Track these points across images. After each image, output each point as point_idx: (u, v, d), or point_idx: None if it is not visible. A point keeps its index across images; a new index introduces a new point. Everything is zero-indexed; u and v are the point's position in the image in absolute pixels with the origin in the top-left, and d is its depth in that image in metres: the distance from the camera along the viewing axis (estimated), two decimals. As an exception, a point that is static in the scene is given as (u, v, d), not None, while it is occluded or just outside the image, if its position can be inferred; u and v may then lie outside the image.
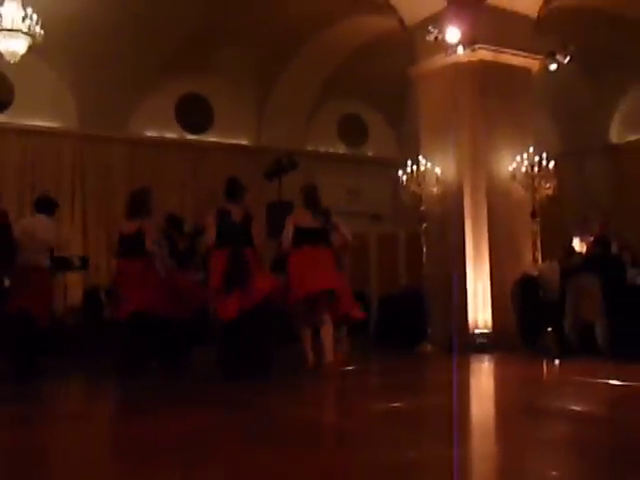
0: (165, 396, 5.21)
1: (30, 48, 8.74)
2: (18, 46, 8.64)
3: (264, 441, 3.30)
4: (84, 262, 9.84)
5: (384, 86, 12.58)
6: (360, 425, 3.81)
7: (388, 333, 9.54)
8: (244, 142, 12.67)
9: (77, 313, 9.94)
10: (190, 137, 12.38)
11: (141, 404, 4.89)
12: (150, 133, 12.03)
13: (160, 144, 12.01)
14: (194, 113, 12.39)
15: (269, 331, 6.13)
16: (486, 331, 8.45)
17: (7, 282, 6.73)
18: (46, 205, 6.96)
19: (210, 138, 12.48)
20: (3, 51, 8.65)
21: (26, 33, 8.58)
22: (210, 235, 6.07)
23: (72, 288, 10.41)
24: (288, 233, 6.33)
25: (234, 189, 6.28)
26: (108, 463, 3.06)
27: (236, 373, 5.72)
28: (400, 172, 9.20)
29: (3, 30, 8.46)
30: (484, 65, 8.83)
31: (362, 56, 11.90)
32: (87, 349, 8.33)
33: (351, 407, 4.65)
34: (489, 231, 8.67)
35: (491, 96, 8.85)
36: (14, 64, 8.92)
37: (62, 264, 9.03)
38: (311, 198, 6.50)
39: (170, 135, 12.20)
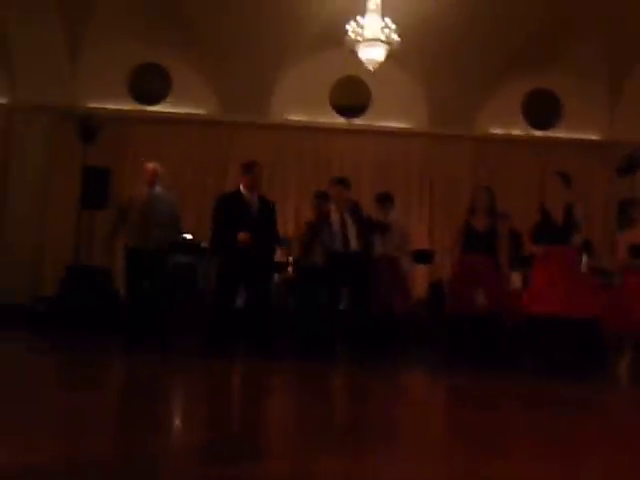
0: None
1: (387, 55, 9.42)
2: (377, 54, 9.36)
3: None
4: (429, 256, 10.28)
5: None
6: None
7: None
8: (594, 137, 12.12)
9: (422, 305, 10.40)
10: (537, 133, 12.21)
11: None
12: (496, 130, 12.12)
13: (506, 141, 12.04)
14: (541, 109, 12.19)
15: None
16: None
17: None
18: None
19: (558, 134, 12.18)
20: (364, 59, 9.44)
21: (384, 41, 9.27)
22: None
23: (418, 281, 10.99)
24: None
25: None
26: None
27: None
28: None
29: (365, 40, 9.24)
30: None
31: None
32: (429, 341, 8.60)
33: None
34: None
35: None
36: (372, 71, 9.70)
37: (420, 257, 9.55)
38: None
39: (516, 132, 12.17)
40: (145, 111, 11.52)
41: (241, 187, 6.49)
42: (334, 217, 6.83)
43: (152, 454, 2.49)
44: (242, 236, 6.16)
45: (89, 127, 9.56)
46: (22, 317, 9.17)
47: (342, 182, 7.08)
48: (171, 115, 11.44)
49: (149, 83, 11.57)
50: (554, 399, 4.73)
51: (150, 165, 6.86)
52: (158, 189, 6.80)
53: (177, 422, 3.38)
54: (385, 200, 7.53)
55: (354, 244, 6.74)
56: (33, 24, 10.56)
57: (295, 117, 11.74)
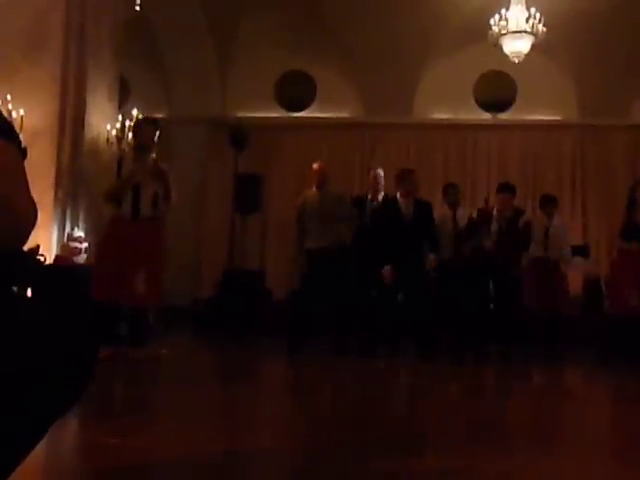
0: None
1: (533, 46, 9.18)
2: (522, 46, 9.15)
3: None
4: (585, 251, 9.93)
5: None
6: None
7: None
8: None
9: (577, 303, 10.03)
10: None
11: None
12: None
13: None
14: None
15: None
16: None
17: None
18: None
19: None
20: (508, 52, 9.25)
21: (530, 32, 9.04)
22: None
23: (572, 277, 10.60)
24: None
25: None
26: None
27: None
28: None
29: (509, 33, 9.05)
30: None
31: None
32: (584, 339, 8.26)
33: None
34: None
35: None
36: (517, 64, 9.48)
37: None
38: None
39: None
40: (292, 117, 11.88)
41: (397, 195, 6.57)
42: (494, 225, 6.77)
43: (310, 449, 2.61)
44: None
45: (239, 135, 10.00)
46: (185, 318, 9.69)
47: (508, 189, 6.99)
48: (317, 120, 11.72)
49: (295, 90, 11.91)
50: None
51: (316, 165, 6.82)
52: (326, 189, 6.76)
53: (340, 418, 3.50)
54: (548, 203, 7.31)
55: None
56: (186, 43, 11.18)
57: (439, 115, 11.68)
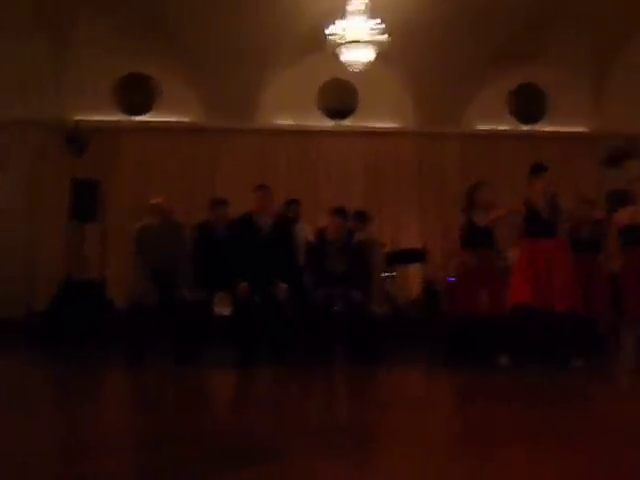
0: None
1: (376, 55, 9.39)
2: (363, 55, 9.34)
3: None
4: (422, 255, 10.32)
5: None
6: None
7: None
8: (581, 129, 12.16)
9: (417, 305, 10.41)
10: (524, 128, 12.24)
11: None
12: (483, 126, 12.14)
13: (493, 137, 12.06)
14: (527, 103, 12.22)
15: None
16: None
17: None
18: None
19: (545, 127, 12.21)
20: (345, 61, 9.40)
21: (368, 42, 9.25)
22: None
23: (412, 280, 11.06)
24: None
25: None
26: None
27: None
28: None
29: (347, 42, 9.21)
30: None
31: None
32: (424, 339, 8.55)
33: None
34: None
35: None
36: (358, 72, 9.68)
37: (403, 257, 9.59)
38: None
39: (503, 127, 12.19)
40: (132, 121, 11.51)
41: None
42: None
43: (147, 469, 2.49)
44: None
45: (77, 140, 9.55)
46: (18, 331, 9.12)
47: (339, 213, 7.20)
48: (158, 124, 11.43)
49: (135, 93, 11.55)
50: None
51: (155, 201, 6.95)
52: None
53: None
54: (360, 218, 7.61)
55: None
56: (14, 43, 10.54)
57: (283, 121, 11.74)
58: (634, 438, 3.17)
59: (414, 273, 11.16)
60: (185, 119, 11.56)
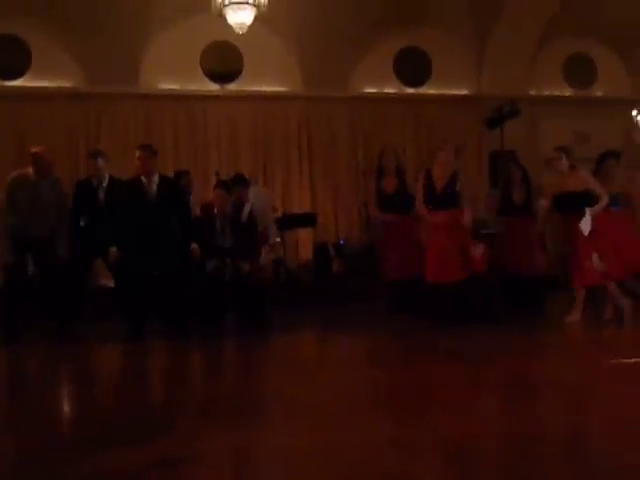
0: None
1: (257, 18, 9.23)
2: (245, 17, 9.16)
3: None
4: (313, 219, 10.36)
5: (615, 18, 11.72)
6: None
7: None
8: (464, 92, 12.45)
9: (308, 268, 10.47)
10: (409, 91, 12.41)
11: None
12: (370, 89, 12.22)
13: (380, 100, 12.17)
14: (412, 66, 12.38)
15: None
16: None
17: None
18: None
19: (430, 90, 12.43)
20: (232, 23, 9.23)
21: (251, 4, 9.08)
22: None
23: (303, 244, 11.10)
24: None
25: None
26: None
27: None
28: (634, 112, 8.59)
29: (232, 4, 9.02)
30: None
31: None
32: (317, 303, 8.56)
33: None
34: None
35: None
36: (243, 35, 9.48)
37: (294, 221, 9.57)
38: None
39: (389, 90, 12.31)
40: (4, 86, 10.85)
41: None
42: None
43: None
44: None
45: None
46: None
47: (222, 185, 7.18)
48: (33, 90, 10.81)
49: (6, 56, 10.87)
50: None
51: (35, 150, 6.23)
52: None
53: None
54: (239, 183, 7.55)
55: None
56: None
57: (167, 85, 11.39)
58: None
59: (306, 237, 11.20)
60: (64, 84, 10.98)
